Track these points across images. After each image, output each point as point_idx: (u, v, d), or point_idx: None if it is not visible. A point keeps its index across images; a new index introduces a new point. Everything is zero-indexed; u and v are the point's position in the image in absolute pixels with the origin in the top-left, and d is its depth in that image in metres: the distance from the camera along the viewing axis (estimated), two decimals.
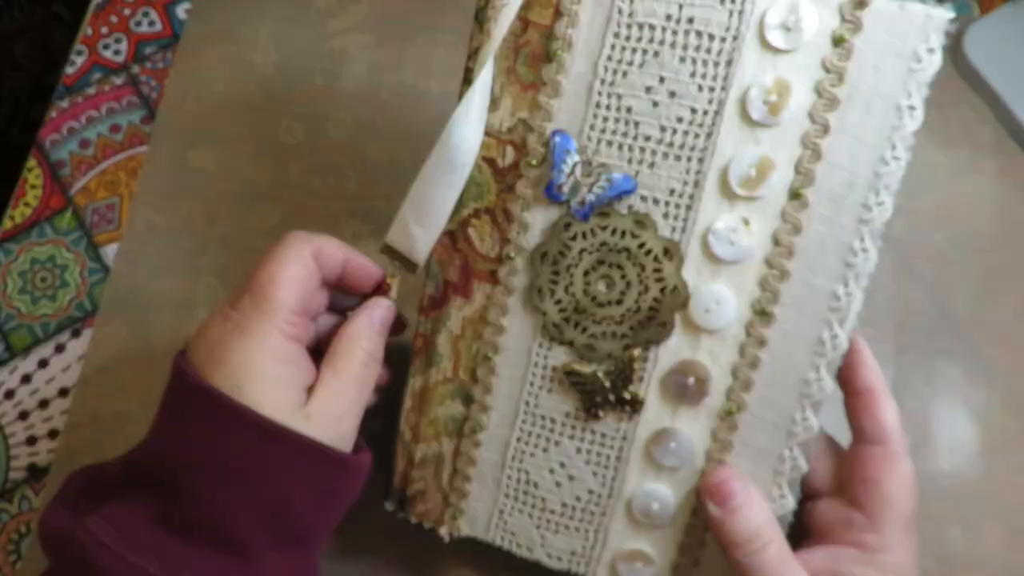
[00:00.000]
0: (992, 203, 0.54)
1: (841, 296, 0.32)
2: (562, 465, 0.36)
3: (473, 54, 0.34)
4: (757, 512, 0.33)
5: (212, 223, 0.53)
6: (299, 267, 0.34)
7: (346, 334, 0.35)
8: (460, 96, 0.35)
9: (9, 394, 0.50)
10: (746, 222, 0.32)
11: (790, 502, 0.34)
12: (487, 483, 0.38)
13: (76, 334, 0.51)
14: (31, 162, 0.54)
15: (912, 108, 0.31)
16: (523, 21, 0.34)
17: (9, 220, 0.53)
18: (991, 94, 0.55)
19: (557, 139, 0.33)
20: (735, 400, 0.34)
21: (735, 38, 0.31)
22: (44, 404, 0.50)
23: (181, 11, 0.58)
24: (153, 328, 0.51)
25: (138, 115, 0.55)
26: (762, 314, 0.33)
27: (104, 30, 0.57)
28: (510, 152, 0.35)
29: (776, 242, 0.32)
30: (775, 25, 0.31)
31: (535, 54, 0.34)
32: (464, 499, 0.38)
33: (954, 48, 0.57)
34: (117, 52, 0.57)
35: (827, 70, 0.31)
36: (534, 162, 0.34)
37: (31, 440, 0.49)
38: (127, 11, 0.58)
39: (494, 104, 0.34)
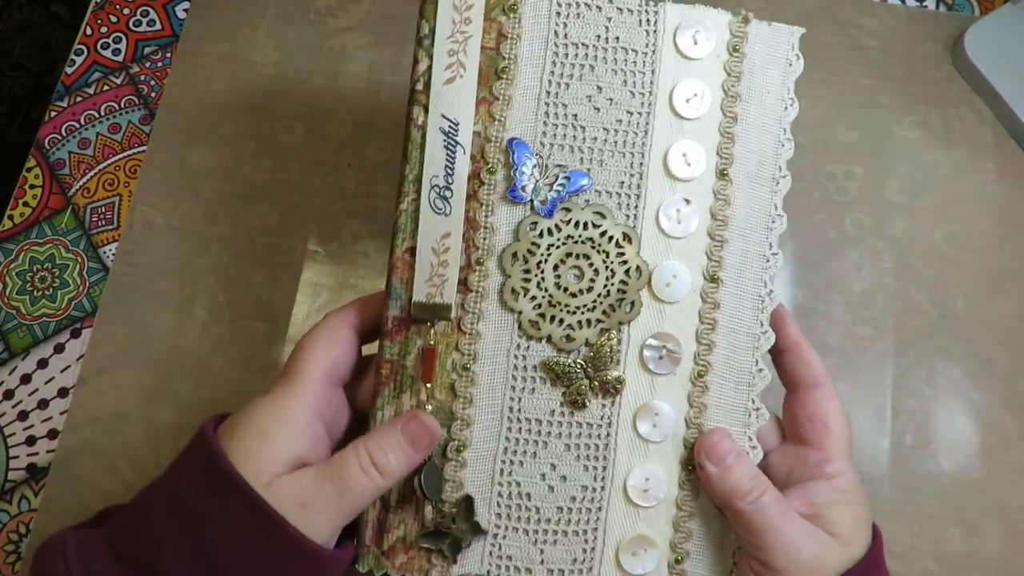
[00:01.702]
0: (992, 203, 0.54)
1: (769, 257, 0.38)
2: (553, 467, 0.37)
3: (425, 82, 0.37)
4: (749, 464, 0.36)
5: (212, 223, 0.53)
6: (329, 349, 0.36)
7: (368, 433, 0.35)
8: (409, 132, 0.37)
9: (8, 394, 0.50)
10: (687, 201, 0.37)
11: (760, 452, 0.37)
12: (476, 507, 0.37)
13: (75, 334, 0.51)
14: (30, 162, 0.54)
15: (792, 100, 0.39)
16: None
17: (8, 220, 0.53)
18: (991, 94, 0.55)
19: (515, 146, 0.37)
20: (702, 363, 0.37)
21: (654, 51, 0.38)
22: (43, 404, 0.50)
23: (180, 10, 0.58)
24: (153, 328, 0.51)
25: (137, 115, 0.55)
26: (712, 280, 0.37)
27: (104, 30, 0.57)
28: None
29: (712, 216, 0.37)
30: (684, 38, 0.38)
31: (484, 73, 0.37)
32: None
33: (954, 48, 0.57)
34: (116, 52, 0.57)
35: (728, 73, 0.38)
36: (494, 169, 0.37)
37: (30, 440, 0.49)
38: (127, 11, 0.58)
39: None
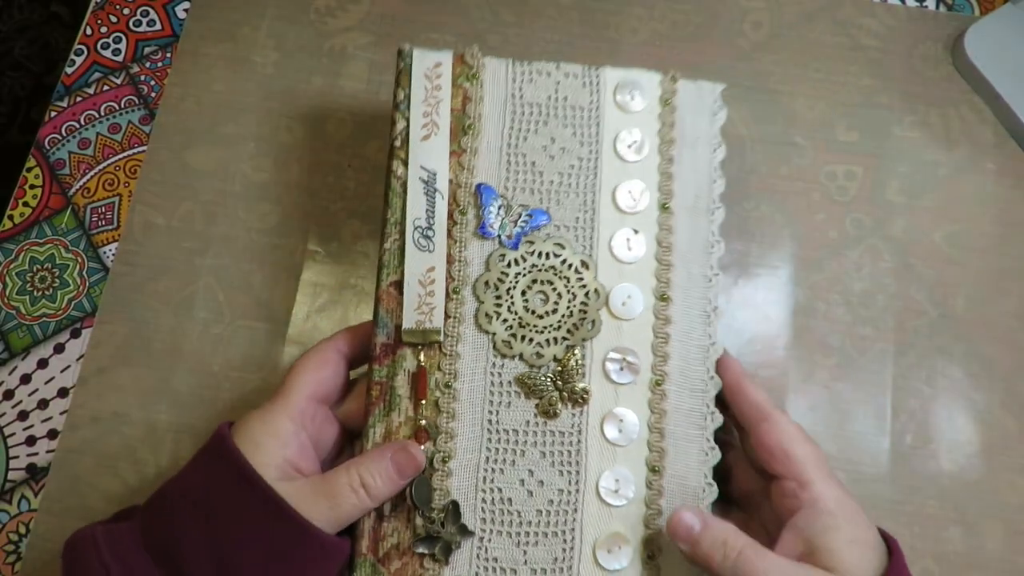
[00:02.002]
0: (992, 203, 0.54)
1: (711, 277, 0.42)
2: (531, 473, 0.40)
3: (403, 140, 0.43)
4: (718, 530, 0.36)
5: (212, 223, 0.53)
6: (317, 370, 0.41)
7: (361, 456, 0.38)
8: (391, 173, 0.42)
9: (8, 394, 0.50)
10: (635, 231, 0.42)
11: (718, 453, 0.40)
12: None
13: (75, 334, 0.51)
14: (30, 162, 0.54)
15: (719, 143, 0.44)
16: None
17: (8, 220, 0.53)
18: (991, 94, 0.55)
19: (483, 189, 0.42)
20: (659, 373, 0.41)
21: (597, 108, 0.44)
22: (43, 404, 0.50)
23: (180, 10, 0.58)
24: (152, 328, 0.51)
25: (137, 115, 0.55)
26: (662, 299, 0.42)
27: (104, 30, 0.57)
28: None
29: (659, 243, 0.42)
30: (623, 95, 0.44)
31: (453, 130, 0.43)
32: None
33: (954, 48, 0.57)
34: (116, 52, 0.57)
35: (662, 123, 0.44)
36: (465, 210, 0.42)
37: (30, 440, 0.49)
38: (127, 11, 0.58)
39: None
